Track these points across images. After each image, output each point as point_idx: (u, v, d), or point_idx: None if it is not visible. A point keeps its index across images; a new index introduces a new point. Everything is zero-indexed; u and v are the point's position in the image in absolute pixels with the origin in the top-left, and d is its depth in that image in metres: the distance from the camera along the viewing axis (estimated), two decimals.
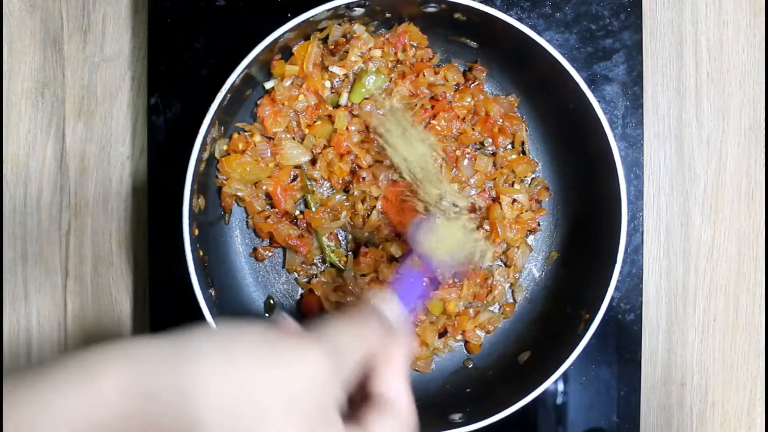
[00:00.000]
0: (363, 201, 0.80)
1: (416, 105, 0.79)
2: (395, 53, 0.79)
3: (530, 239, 0.84)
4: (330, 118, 0.80)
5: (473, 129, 0.81)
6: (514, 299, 0.84)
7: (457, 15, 0.75)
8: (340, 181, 0.80)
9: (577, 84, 0.72)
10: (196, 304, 0.71)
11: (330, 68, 0.78)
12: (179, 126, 0.81)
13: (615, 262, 0.72)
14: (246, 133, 0.79)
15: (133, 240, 0.85)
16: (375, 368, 0.49)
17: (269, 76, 0.79)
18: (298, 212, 0.82)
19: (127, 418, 0.38)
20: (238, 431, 0.38)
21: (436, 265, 0.68)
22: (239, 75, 0.71)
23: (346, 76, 0.79)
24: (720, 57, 0.86)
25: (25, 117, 0.85)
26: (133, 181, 0.86)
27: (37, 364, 0.38)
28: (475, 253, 0.72)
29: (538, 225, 0.83)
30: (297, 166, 0.81)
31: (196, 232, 0.74)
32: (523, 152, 0.83)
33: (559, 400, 0.83)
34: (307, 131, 0.80)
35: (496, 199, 0.82)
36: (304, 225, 0.81)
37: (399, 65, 0.80)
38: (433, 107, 0.80)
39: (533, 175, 0.83)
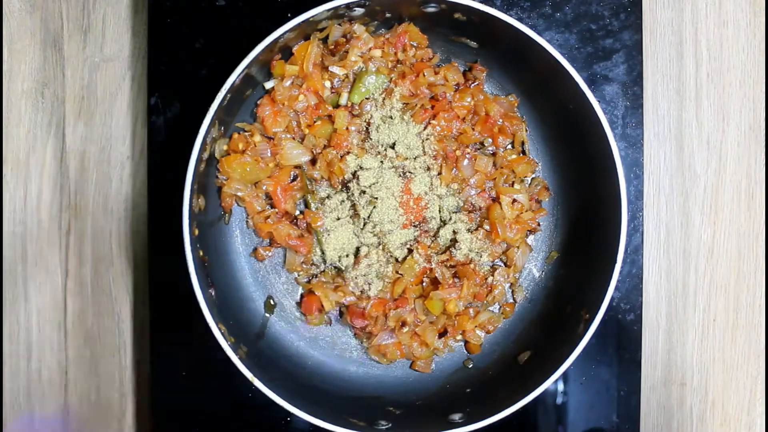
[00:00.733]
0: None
1: (416, 105, 0.79)
2: (395, 53, 0.79)
3: (530, 239, 0.84)
4: (330, 118, 0.80)
5: (473, 129, 0.81)
6: (514, 299, 0.84)
7: (457, 15, 0.75)
8: (340, 181, 0.80)
9: (577, 84, 0.71)
10: (196, 304, 0.71)
11: (330, 68, 0.78)
12: (179, 126, 0.81)
13: (615, 262, 0.72)
14: (246, 133, 0.79)
15: (133, 240, 0.85)
16: None
17: (269, 76, 0.79)
18: (298, 212, 0.82)
19: None
20: None
21: None
22: (239, 75, 0.71)
23: (346, 76, 0.79)
24: (720, 57, 0.86)
25: (25, 117, 0.85)
26: (133, 181, 0.86)
27: None
28: None
29: (538, 225, 0.83)
30: (297, 166, 0.81)
31: (196, 232, 0.74)
32: (523, 152, 0.83)
33: (559, 400, 0.83)
34: (307, 131, 0.80)
35: (496, 199, 0.82)
36: (304, 225, 0.81)
37: (399, 65, 0.80)
38: (433, 107, 0.80)
39: (533, 175, 0.83)
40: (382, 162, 0.80)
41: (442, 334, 0.82)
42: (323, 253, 0.81)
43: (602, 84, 0.82)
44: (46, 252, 0.85)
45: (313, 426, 0.71)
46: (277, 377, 0.75)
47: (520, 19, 0.81)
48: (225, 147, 0.78)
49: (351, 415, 0.75)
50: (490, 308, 0.83)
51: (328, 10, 0.71)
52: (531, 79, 0.80)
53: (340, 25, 0.78)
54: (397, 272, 0.81)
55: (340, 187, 0.81)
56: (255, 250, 0.83)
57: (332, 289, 0.81)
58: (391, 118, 0.79)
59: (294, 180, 0.82)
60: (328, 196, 0.81)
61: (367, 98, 0.79)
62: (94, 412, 0.86)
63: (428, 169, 0.81)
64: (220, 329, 0.71)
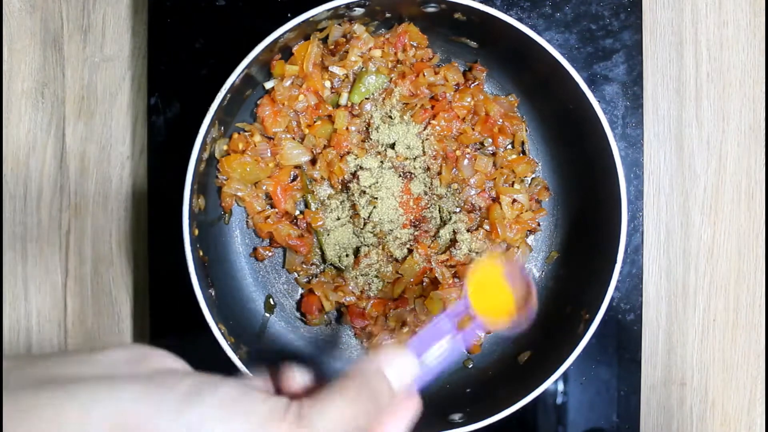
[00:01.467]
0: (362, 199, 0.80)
1: (416, 105, 0.79)
2: (395, 53, 0.79)
3: (530, 239, 0.84)
4: (330, 118, 0.80)
5: (473, 129, 0.81)
6: None
7: (457, 15, 0.75)
8: (340, 181, 0.80)
9: (577, 84, 0.71)
10: (196, 304, 0.71)
11: (330, 68, 0.78)
12: (179, 126, 0.81)
13: (615, 262, 0.72)
14: (246, 133, 0.79)
15: (133, 240, 0.85)
16: None
17: (269, 76, 0.79)
18: (298, 212, 0.82)
19: None
20: None
21: (477, 325, 0.57)
22: (239, 75, 0.71)
23: (346, 76, 0.79)
24: (720, 57, 0.86)
25: (25, 117, 0.85)
26: (133, 181, 0.86)
27: (33, 384, 0.37)
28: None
29: (538, 225, 0.83)
30: (297, 166, 0.81)
31: (196, 232, 0.74)
32: (523, 152, 0.83)
33: (559, 400, 0.83)
34: (307, 131, 0.80)
35: (496, 199, 0.82)
36: (304, 225, 0.81)
37: (399, 65, 0.80)
38: (433, 107, 0.80)
39: (533, 175, 0.83)
40: (382, 162, 0.80)
41: None
42: (323, 253, 0.81)
43: (602, 84, 0.82)
44: (46, 252, 0.86)
45: None
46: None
47: (520, 19, 0.81)
48: (225, 147, 0.78)
49: None
50: None
51: (328, 10, 0.71)
52: (531, 79, 0.80)
53: (340, 25, 0.78)
54: (397, 272, 0.81)
55: (340, 187, 0.81)
56: (255, 250, 0.83)
57: (332, 289, 0.81)
58: (391, 118, 0.79)
59: (294, 180, 0.82)
60: (328, 196, 0.81)
61: (367, 98, 0.79)
62: None
63: (428, 169, 0.81)
64: (220, 329, 0.71)
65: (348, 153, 0.79)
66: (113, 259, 0.86)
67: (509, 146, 0.82)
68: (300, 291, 0.84)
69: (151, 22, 0.82)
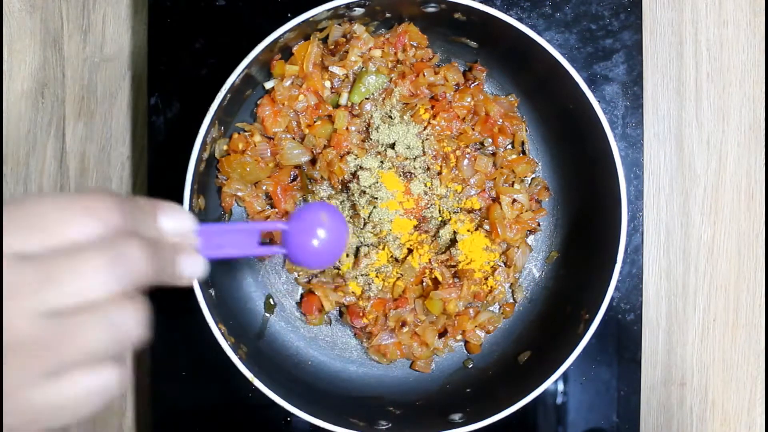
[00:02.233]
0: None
1: (416, 105, 0.79)
2: (395, 53, 0.79)
3: (530, 239, 0.84)
4: (330, 118, 0.80)
5: (473, 129, 0.81)
6: (514, 299, 0.84)
7: (457, 15, 0.75)
8: (340, 181, 0.80)
9: (576, 84, 0.71)
10: (196, 304, 0.71)
11: (330, 68, 0.78)
12: (179, 126, 0.81)
13: (615, 262, 0.72)
14: (246, 133, 0.79)
15: None
16: None
17: (269, 76, 0.79)
18: None
19: None
20: None
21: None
22: (239, 75, 0.71)
23: (346, 76, 0.79)
24: (720, 57, 0.86)
25: (25, 117, 0.85)
26: (134, 181, 0.86)
27: None
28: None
29: (538, 225, 0.83)
30: (297, 166, 0.81)
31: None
32: (523, 152, 0.83)
33: (559, 400, 0.83)
34: (307, 131, 0.80)
35: (496, 199, 0.82)
36: None
37: (399, 65, 0.80)
38: (433, 107, 0.80)
39: (533, 175, 0.83)
40: (382, 162, 0.79)
41: (442, 334, 0.82)
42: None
43: (602, 84, 0.82)
44: None
45: (313, 426, 0.71)
46: (277, 377, 0.75)
47: (520, 19, 0.81)
48: (225, 147, 0.78)
49: (351, 415, 0.75)
50: (490, 308, 0.83)
51: (328, 10, 0.71)
52: (531, 79, 0.80)
53: (340, 25, 0.78)
54: (397, 272, 0.81)
55: (340, 187, 0.81)
56: None
57: (332, 289, 0.81)
58: (390, 118, 0.79)
59: (294, 180, 0.82)
60: (328, 197, 0.81)
61: (367, 98, 0.79)
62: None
63: (428, 169, 0.80)
64: (220, 329, 0.71)
65: (348, 153, 0.79)
66: None
67: (509, 146, 0.82)
68: (300, 291, 0.84)
69: (151, 22, 0.82)
